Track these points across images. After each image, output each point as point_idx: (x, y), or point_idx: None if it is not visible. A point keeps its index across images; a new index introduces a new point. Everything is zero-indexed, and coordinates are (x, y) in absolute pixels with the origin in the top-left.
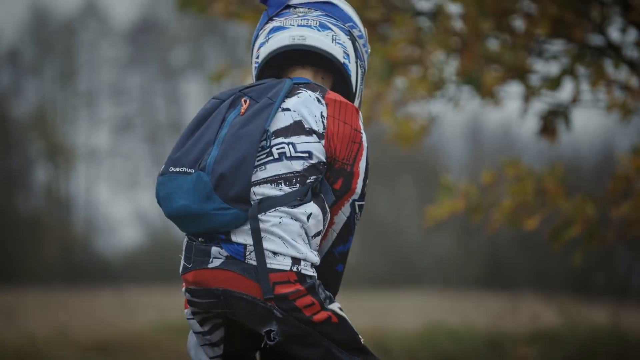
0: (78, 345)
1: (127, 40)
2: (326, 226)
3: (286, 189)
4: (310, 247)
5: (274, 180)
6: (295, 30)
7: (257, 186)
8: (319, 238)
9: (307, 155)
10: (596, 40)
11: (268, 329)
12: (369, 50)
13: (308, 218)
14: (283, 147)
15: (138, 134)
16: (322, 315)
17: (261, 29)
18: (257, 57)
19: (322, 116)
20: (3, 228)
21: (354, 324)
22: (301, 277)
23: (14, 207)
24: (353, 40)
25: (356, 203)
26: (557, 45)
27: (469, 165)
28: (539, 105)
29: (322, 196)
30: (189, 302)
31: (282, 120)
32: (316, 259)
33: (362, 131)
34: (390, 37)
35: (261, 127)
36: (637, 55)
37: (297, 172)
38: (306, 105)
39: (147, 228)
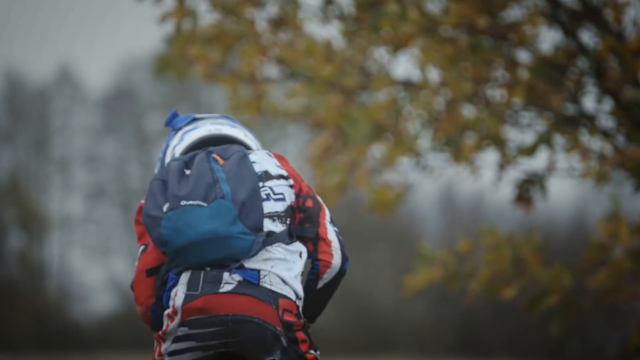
0: None
1: (101, 107)
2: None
3: (280, 227)
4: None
5: (271, 216)
6: (210, 125)
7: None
8: (300, 277)
9: (282, 197)
10: (571, 109)
11: (272, 358)
12: None
13: (300, 255)
14: (266, 190)
15: (112, 201)
16: (311, 355)
17: (170, 139)
18: (173, 155)
19: (277, 165)
20: None
21: None
22: (299, 312)
23: None
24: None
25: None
26: (532, 113)
27: (444, 233)
28: (514, 174)
29: (302, 238)
30: (182, 338)
31: (256, 169)
32: (300, 293)
33: None
34: (367, 103)
35: (253, 170)
36: (611, 124)
37: (281, 212)
38: (265, 159)
39: (121, 294)
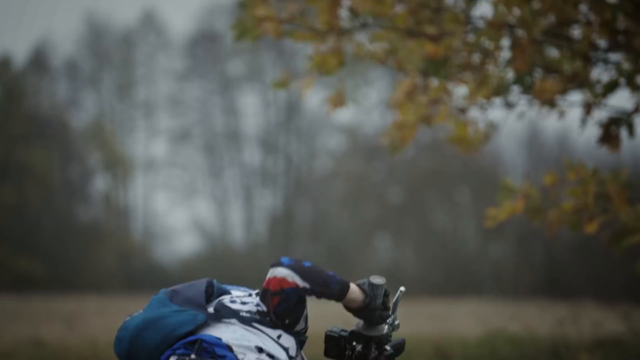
0: None
1: (184, 52)
2: None
3: (243, 307)
4: None
5: (232, 299)
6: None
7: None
8: None
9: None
10: None
11: None
12: None
13: (279, 337)
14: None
15: (195, 144)
16: None
17: None
18: None
19: None
20: (63, 237)
21: (418, 329)
22: None
23: (74, 216)
24: None
25: None
26: (616, 55)
27: (528, 172)
28: (600, 114)
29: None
30: None
31: None
32: None
33: None
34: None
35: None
36: None
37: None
38: None
39: (204, 235)
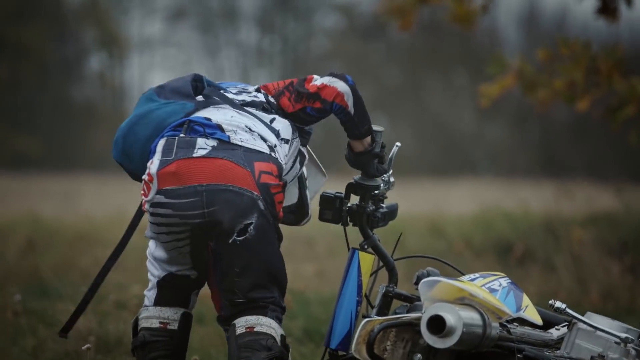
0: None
1: None
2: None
3: (238, 96)
4: (280, 147)
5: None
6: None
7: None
8: (286, 146)
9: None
10: None
11: (249, 221)
12: None
13: (271, 121)
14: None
15: (191, 23)
16: (281, 212)
17: None
18: None
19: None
20: (58, 116)
21: (413, 208)
22: (280, 171)
23: (69, 95)
24: None
25: None
26: None
27: (524, 52)
28: None
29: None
30: (157, 207)
31: None
32: (282, 158)
33: None
34: None
35: None
36: None
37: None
38: None
39: None
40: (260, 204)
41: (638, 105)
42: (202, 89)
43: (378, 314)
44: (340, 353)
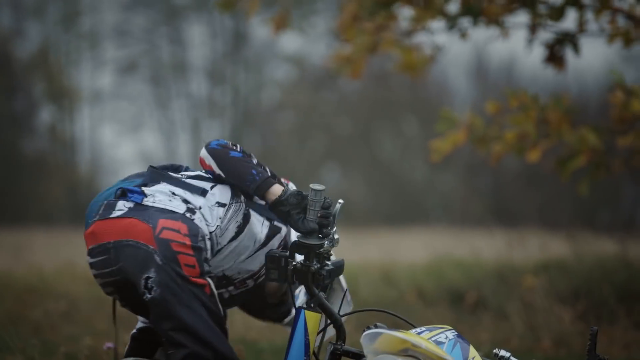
0: (85, 278)
1: None
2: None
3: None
4: (211, 211)
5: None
6: None
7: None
8: (222, 209)
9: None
10: None
11: (147, 275)
12: None
13: (212, 187)
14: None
15: (142, 76)
16: (199, 280)
17: None
18: None
19: None
20: (8, 169)
21: (365, 257)
22: (193, 232)
23: (19, 148)
24: None
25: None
26: None
27: (474, 103)
28: (545, 35)
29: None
30: (90, 267)
31: None
32: (211, 221)
33: None
34: None
35: None
36: None
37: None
38: None
39: None
40: (157, 257)
41: (588, 155)
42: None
43: None
44: None
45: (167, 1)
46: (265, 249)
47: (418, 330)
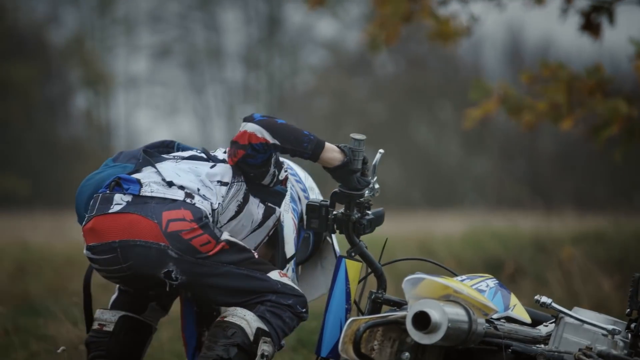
0: None
1: None
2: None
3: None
4: (211, 190)
5: (174, 157)
6: None
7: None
8: (224, 188)
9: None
10: None
11: (166, 270)
12: None
13: (212, 167)
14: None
15: (176, 61)
16: (217, 248)
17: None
18: None
19: None
20: (45, 155)
21: (402, 231)
22: (197, 215)
23: (56, 134)
24: None
25: None
26: None
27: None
28: (581, 3)
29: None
30: (91, 261)
31: None
32: (213, 199)
33: None
34: None
35: None
36: None
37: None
38: None
39: None
40: (171, 252)
41: (621, 125)
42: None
43: None
44: None
45: None
46: (261, 230)
47: (460, 278)
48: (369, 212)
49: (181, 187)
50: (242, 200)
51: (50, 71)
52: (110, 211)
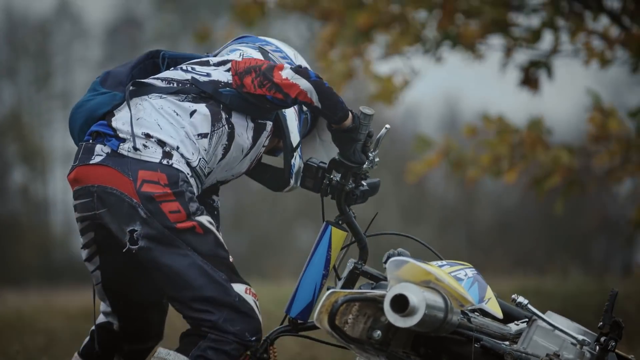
0: (64, 313)
1: (103, 40)
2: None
3: (170, 85)
4: (194, 144)
5: (164, 78)
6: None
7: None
8: (205, 140)
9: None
10: None
11: (132, 228)
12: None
13: (192, 114)
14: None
15: None
16: (186, 224)
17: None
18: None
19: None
20: None
21: None
22: (172, 180)
23: None
24: (264, 52)
25: None
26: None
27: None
28: (520, 58)
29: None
30: (74, 209)
31: None
32: (193, 157)
33: None
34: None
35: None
36: (617, 4)
37: (182, 79)
38: None
39: None
40: (141, 211)
41: (563, 175)
42: (158, 67)
43: (343, 288)
44: (299, 322)
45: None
46: (255, 148)
47: (440, 263)
48: (364, 182)
49: (160, 142)
50: (227, 142)
51: None
52: (91, 162)
